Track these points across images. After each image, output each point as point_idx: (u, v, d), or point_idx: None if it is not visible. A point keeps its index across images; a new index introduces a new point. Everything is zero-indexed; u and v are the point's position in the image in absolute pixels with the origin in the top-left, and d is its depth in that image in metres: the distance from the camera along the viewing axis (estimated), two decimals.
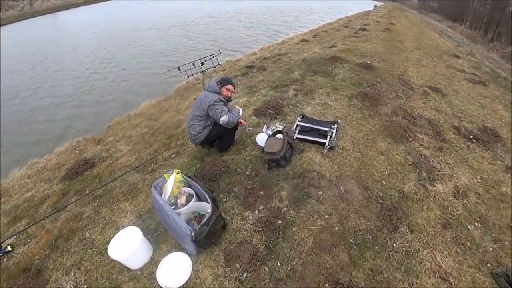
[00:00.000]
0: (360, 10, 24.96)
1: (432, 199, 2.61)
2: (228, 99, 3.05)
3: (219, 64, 6.51)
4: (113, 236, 2.60)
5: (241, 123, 3.31)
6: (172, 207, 2.38)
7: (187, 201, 2.45)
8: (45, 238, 2.87)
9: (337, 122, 3.47)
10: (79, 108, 8.97)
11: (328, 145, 3.02)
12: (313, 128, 3.32)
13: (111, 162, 3.89)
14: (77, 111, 8.80)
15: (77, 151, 4.86)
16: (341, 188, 2.57)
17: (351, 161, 2.97)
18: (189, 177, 2.47)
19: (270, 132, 3.19)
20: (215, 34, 18.02)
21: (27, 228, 3.02)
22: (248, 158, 3.06)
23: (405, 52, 8.64)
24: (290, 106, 4.27)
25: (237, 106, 3.39)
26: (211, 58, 6.17)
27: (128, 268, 2.25)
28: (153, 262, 2.23)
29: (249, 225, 2.25)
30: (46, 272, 2.51)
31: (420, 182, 2.79)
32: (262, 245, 2.09)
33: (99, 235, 2.66)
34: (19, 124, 8.54)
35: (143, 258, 2.27)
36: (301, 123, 3.42)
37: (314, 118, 3.73)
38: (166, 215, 2.22)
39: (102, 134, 5.35)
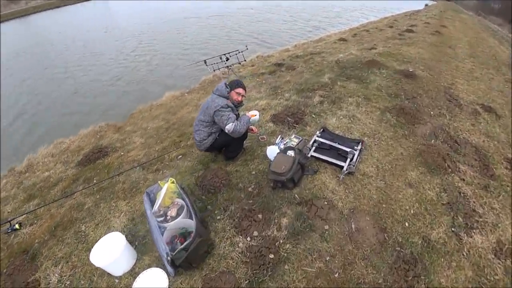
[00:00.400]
0: (409, 9, 22.75)
1: (465, 254, 2.13)
2: (238, 104, 2.79)
3: (245, 61, 6.26)
4: (103, 235, 2.56)
5: (252, 130, 3.04)
6: (161, 219, 2.24)
7: (178, 214, 2.29)
8: (48, 223, 2.92)
9: (363, 142, 3.04)
10: (122, 87, 9.52)
11: (347, 169, 2.63)
12: (332, 146, 2.94)
13: (122, 154, 3.89)
14: (121, 90, 9.32)
15: (98, 136, 5.00)
16: (353, 225, 2.21)
17: (371, 191, 2.56)
18: (183, 189, 2.29)
19: (282, 146, 2.88)
20: (254, 26, 17.68)
21: (35, 209, 3.12)
22: (254, 172, 2.80)
23: (455, 60, 7.58)
24: (313, 115, 3.89)
25: (250, 112, 3.12)
26: (236, 54, 5.94)
27: (108, 274, 2.16)
28: (133, 273, 2.11)
29: (237, 253, 2.01)
30: (39, 258, 2.54)
31: (453, 229, 2.30)
32: (246, 280, 1.85)
33: (92, 231, 2.63)
34: (66, 98, 9.30)
35: (125, 266, 2.17)
36: (320, 139, 3.05)
37: (336, 133, 3.33)
38: (151, 228, 2.08)
39: (124, 122, 5.46)
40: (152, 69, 11.01)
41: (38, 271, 2.42)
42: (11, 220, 3.01)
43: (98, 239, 2.54)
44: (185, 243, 1.79)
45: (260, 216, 2.31)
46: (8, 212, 3.32)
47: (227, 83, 2.75)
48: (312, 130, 3.52)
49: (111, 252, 2.08)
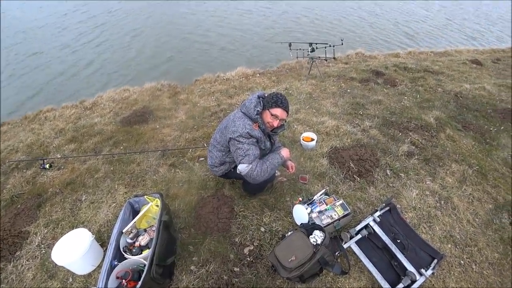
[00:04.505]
0: None
1: None
2: (272, 131, 1.96)
3: (334, 58, 5.07)
4: (90, 217, 2.41)
5: (287, 168, 2.21)
6: (125, 245, 1.85)
7: (147, 247, 1.86)
8: (66, 176, 2.98)
9: (442, 258, 1.90)
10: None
11: None
12: (388, 248, 1.92)
13: (157, 127, 3.69)
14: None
15: (155, 94, 4.96)
16: None
17: None
18: (167, 214, 1.80)
19: (316, 213, 2.04)
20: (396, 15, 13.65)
21: (64, 158, 3.24)
22: (263, 229, 2.10)
23: None
24: (388, 172, 2.75)
25: (305, 134, 2.28)
26: (325, 47, 4.82)
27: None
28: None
29: None
30: (40, 211, 2.59)
31: None
32: None
33: (84, 208, 2.52)
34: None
35: (89, 266, 1.98)
36: (375, 226, 2.02)
37: (407, 223, 2.13)
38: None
39: (184, 87, 5.28)
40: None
41: (32, 224, 2.45)
42: (44, 159, 3.23)
43: (83, 221, 2.43)
44: None
45: None
46: (53, 146, 3.56)
47: (263, 96, 1.92)
48: (375, 196, 2.47)
49: (74, 250, 1.87)
